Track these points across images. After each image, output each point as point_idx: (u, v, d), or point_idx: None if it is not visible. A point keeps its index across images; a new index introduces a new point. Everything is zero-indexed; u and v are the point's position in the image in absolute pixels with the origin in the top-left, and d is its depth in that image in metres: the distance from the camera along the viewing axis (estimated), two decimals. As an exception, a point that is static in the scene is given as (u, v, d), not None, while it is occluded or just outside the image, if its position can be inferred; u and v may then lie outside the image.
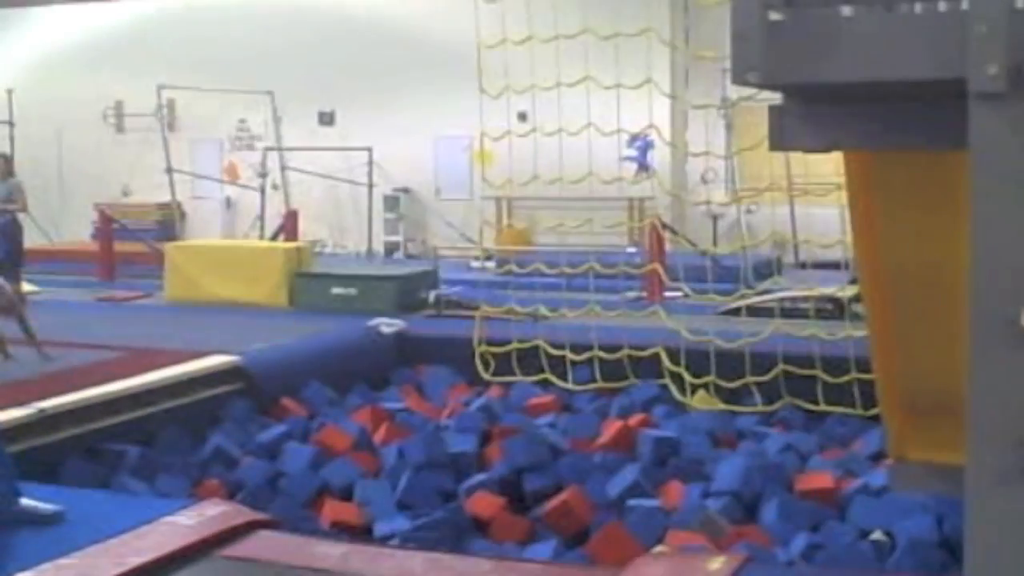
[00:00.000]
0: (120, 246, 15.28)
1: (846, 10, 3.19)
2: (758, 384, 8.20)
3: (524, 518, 6.34)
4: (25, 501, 5.14)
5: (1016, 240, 2.81)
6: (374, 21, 18.58)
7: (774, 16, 3.14)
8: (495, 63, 9.13)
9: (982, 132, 2.81)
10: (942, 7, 3.16)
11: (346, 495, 6.61)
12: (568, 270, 9.87)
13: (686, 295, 9.87)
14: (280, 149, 19.04)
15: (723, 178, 16.67)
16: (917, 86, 3.08)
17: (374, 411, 7.96)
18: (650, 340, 8.71)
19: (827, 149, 3.76)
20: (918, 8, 3.19)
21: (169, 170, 17.28)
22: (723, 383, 8.31)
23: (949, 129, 3.04)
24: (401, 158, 18.35)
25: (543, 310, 9.79)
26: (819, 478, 6.65)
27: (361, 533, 6.08)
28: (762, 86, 3.25)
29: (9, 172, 12.14)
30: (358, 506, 6.42)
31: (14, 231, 11.78)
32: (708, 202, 13.42)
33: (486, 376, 9.00)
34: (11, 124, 18.78)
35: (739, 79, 3.15)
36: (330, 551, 4.93)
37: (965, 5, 2.96)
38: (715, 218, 16.59)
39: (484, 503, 6.38)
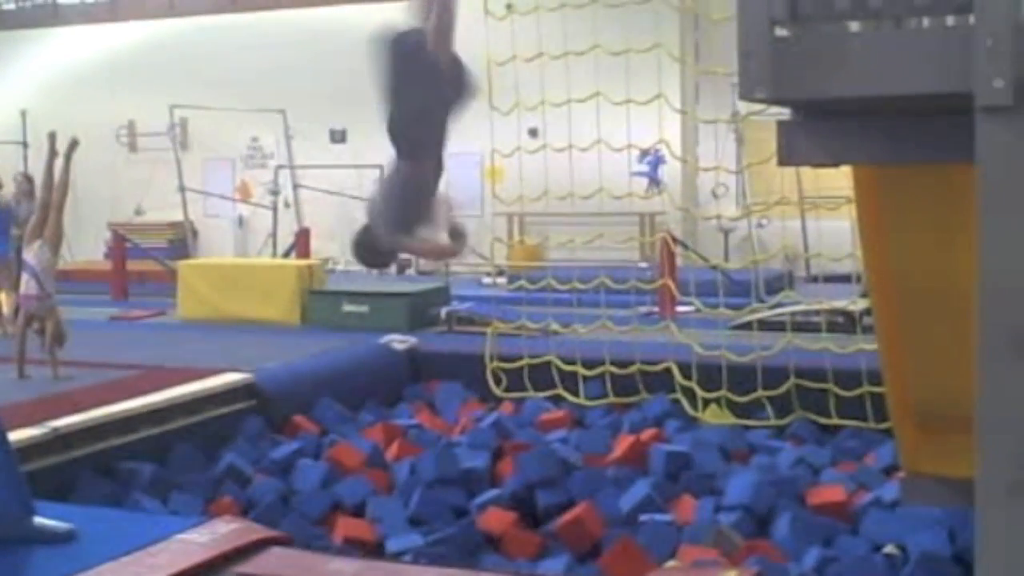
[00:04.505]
0: (133, 265, 15.36)
1: (853, 26, 3.21)
2: (770, 398, 8.18)
3: (536, 533, 6.33)
4: (38, 520, 5.16)
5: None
6: (385, 39, 18.66)
7: (781, 32, 3.16)
8: (505, 80, 9.15)
9: (989, 145, 2.82)
10: (949, 21, 3.17)
11: (358, 512, 6.61)
12: (579, 285, 9.87)
13: (698, 310, 9.86)
14: (292, 167, 19.10)
15: (734, 192, 16.68)
16: (924, 100, 3.09)
17: (386, 428, 7.97)
18: (662, 355, 8.70)
19: (835, 164, 3.77)
20: (925, 23, 3.21)
21: (182, 189, 17.35)
22: (735, 397, 8.30)
23: (956, 143, 3.05)
24: (412, 175, 18.39)
25: (555, 326, 9.79)
26: (831, 492, 6.63)
27: (373, 550, 6.07)
28: (770, 102, 3.27)
29: (32, 192, 12.23)
30: (370, 522, 6.42)
31: None
32: (719, 217, 13.40)
33: (498, 392, 9.01)
34: (25, 144, 18.90)
35: (747, 95, 3.17)
36: (343, 568, 4.93)
37: (972, 20, 2.97)
38: (726, 233, 16.58)
39: (496, 519, 6.37)
